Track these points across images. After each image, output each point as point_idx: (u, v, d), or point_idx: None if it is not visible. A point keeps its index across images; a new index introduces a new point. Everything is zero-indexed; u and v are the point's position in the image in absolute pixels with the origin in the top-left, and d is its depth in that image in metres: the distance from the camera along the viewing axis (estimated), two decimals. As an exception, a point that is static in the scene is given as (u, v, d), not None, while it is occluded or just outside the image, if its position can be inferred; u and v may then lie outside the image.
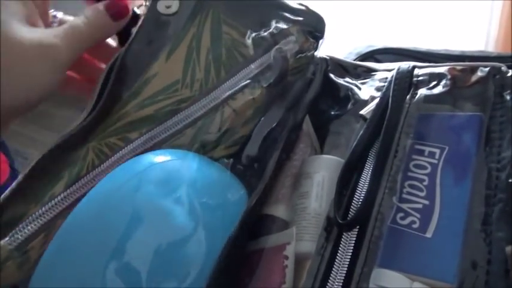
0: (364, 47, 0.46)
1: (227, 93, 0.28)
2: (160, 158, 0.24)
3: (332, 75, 0.34)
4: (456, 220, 0.25)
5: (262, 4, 0.31)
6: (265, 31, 0.30)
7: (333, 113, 0.33)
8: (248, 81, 0.29)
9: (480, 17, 1.00)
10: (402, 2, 1.07)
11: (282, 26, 0.31)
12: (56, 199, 0.22)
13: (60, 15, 0.31)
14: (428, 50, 0.38)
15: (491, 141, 0.27)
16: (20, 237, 0.21)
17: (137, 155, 0.25)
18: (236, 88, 0.28)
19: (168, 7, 0.28)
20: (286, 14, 0.32)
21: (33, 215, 0.21)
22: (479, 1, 0.98)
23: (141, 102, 0.27)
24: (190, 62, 0.28)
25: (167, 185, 0.22)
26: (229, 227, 0.24)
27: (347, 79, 0.34)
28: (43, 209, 0.22)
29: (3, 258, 0.20)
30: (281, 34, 0.31)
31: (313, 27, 0.33)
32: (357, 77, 0.34)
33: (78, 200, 0.21)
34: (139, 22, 0.29)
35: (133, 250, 0.20)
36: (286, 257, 0.27)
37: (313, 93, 0.33)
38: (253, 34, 0.30)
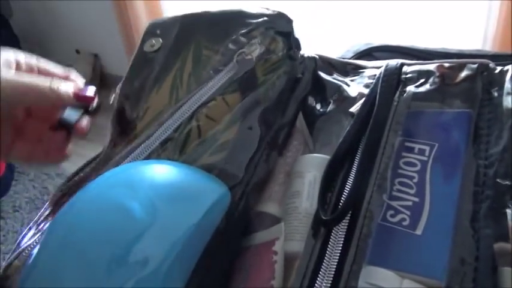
0: (362, 44, 0.46)
1: (199, 103, 0.30)
2: (132, 165, 0.27)
3: (321, 73, 0.34)
4: (445, 217, 0.25)
5: (228, 19, 0.34)
6: (230, 41, 0.32)
7: (321, 110, 0.33)
8: (216, 88, 0.30)
9: (478, 15, 1.01)
10: (400, 1, 1.07)
11: (244, 31, 0.32)
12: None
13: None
14: (426, 49, 0.38)
15: (479, 138, 0.27)
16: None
17: None
18: (206, 97, 0.30)
19: (152, 46, 0.34)
20: (248, 20, 0.33)
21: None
22: (477, 0, 0.99)
23: (137, 133, 0.30)
24: (174, 87, 0.31)
25: (131, 187, 0.24)
26: (202, 222, 0.25)
27: (335, 76, 0.34)
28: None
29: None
30: (245, 40, 0.32)
31: (278, 26, 0.33)
32: (346, 74, 0.34)
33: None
34: (131, 61, 0.34)
35: (94, 240, 0.22)
36: (275, 253, 0.27)
37: (302, 92, 0.33)
38: (222, 48, 0.32)
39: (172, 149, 0.28)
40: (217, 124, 0.29)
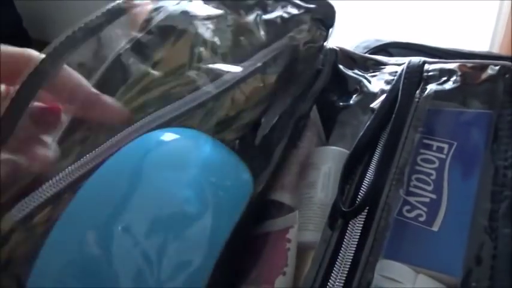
0: (372, 40, 0.46)
1: (239, 77, 0.28)
2: (170, 136, 0.24)
3: (341, 67, 0.34)
4: (463, 215, 0.25)
5: None
6: (275, 15, 0.30)
7: (341, 104, 0.33)
8: (259, 65, 0.28)
9: (486, 19, 1.00)
10: (408, 1, 1.06)
11: (294, 11, 0.31)
12: (64, 172, 0.21)
13: None
14: (440, 48, 0.38)
15: (499, 139, 0.27)
16: (25, 209, 0.20)
17: (144, 133, 0.25)
18: (248, 72, 0.28)
19: None
20: (297, 1, 0.32)
21: (41, 188, 0.20)
22: (485, 2, 0.98)
23: (148, 84, 0.27)
24: (196, 47, 0.29)
25: (177, 166, 0.22)
26: (235, 210, 0.24)
27: (356, 71, 0.34)
28: (50, 181, 0.21)
29: (8, 230, 0.19)
30: (293, 21, 0.31)
31: (324, 15, 0.32)
32: (366, 69, 0.34)
33: (86, 174, 0.21)
34: None
35: (139, 228, 0.20)
36: (289, 240, 0.27)
37: (321, 84, 0.33)
38: (262, 18, 0.30)
39: (200, 118, 0.26)
40: (248, 102, 0.28)
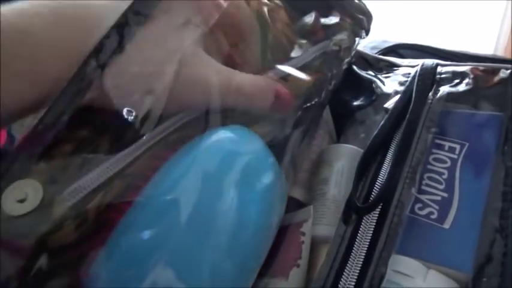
0: (380, 41, 0.46)
1: (283, 74, 0.28)
2: (231, 137, 0.24)
3: (355, 68, 0.35)
4: (474, 213, 0.26)
5: None
6: (319, 19, 0.31)
7: (354, 103, 0.34)
8: (308, 60, 0.29)
9: (490, 21, 1.00)
10: (412, 1, 1.07)
11: (337, 18, 0.31)
12: (115, 157, 0.20)
13: None
14: (449, 50, 0.39)
15: (510, 141, 0.28)
16: (79, 194, 0.19)
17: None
18: (301, 64, 0.29)
19: None
20: (344, 4, 0.32)
21: (91, 173, 0.20)
22: (491, 4, 0.99)
23: None
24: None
25: (249, 175, 0.22)
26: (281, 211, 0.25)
27: (370, 72, 0.35)
28: (103, 166, 0.20)
29: (61, 216, 0.18)
30: (335, 27, 0.31)
31: (363, 26, 0.33)
32: (380, 70, 0.35)
33: (136, 159, 0.21)
34: None
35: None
36: (303, 234, 0.28)
37: (336, 83, 0.34)
38: (305, 20, 0.31)
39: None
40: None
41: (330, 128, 0.37)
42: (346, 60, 0.33)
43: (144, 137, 0.22)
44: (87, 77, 0.19)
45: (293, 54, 0.29)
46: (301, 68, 0.29)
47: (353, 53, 0.34)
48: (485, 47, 1.02)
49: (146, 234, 0.19)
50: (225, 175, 0.22)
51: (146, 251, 0.19)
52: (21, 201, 0.18)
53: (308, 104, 0.28)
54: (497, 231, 0.25)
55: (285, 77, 0.27)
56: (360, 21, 0.33)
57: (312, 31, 0.31)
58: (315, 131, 0.34)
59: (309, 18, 0.31)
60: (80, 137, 0.21)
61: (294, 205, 0.31)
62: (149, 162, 0.21)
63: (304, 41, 0.30)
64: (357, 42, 0.34)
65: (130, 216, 0.20)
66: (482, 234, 0.25)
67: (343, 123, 0.34)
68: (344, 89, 0.35)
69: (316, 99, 0.29)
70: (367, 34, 0.35)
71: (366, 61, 0.35)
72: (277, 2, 0.30)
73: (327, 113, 0.35)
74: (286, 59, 0.29)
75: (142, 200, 0.20)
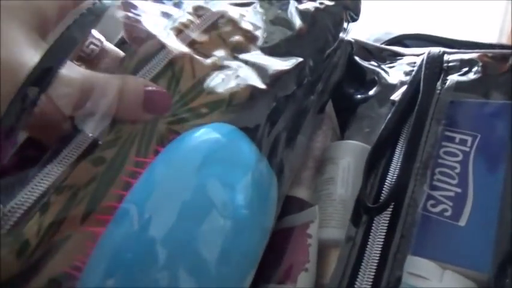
0: (382, 33, 0.45)
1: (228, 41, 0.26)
2: (212, 134, 0.22)
3: (357, 58, 0.33)
4: (490, 209, 0.24)
5: None
6: (309, 5, 0.29)
7: (359, 96, 0.32)
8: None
9: (495, 9, 0.99)
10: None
11: (327, 2, 0.30)
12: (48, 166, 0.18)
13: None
14: (458, 39, 0.37)
15: (523, 131, 0.27)
16: (12, 217, 0.17)
17: None
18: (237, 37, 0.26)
19: None
20: None
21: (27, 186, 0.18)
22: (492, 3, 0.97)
23: None
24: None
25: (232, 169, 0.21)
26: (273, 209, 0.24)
27: (372, 62, 0.33)
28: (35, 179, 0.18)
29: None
30: (327, 12, 0.30)
31: (353, 9, 0.32)
32: (383, 60, 0.33)
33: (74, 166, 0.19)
34: None
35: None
36: (310, 236, 0.27)
37: (337, 76, 0.32)
38: (297, 7, 0.29)
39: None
40: None
41: (334, 124, 0.35)
42: (332, 47, 0.31)
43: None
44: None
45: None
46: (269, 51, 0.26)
47: (341, 40, 0.32)
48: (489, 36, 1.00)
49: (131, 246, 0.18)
50: (207, 173, 0.20)
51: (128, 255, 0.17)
52: None
53: (283, 94, 0.26)
54: (515, 227, 0.23)
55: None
56: (343, 3, 0.31)
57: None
58: (317, 128, 0.32)
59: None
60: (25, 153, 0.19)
61: (298, 205, 0.30)
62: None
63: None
64: (346, 27, 0.32)
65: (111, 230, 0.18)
66: (500, 231, 0.24)
67: (346, 118, 0.33)
68: (345, 81, 0.33)
69: (295, 88, 0.27)
70: (356, 16, 0.33)
71: (367, 51, 0.34)
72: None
73: (329, 108, 0.34)
74: None
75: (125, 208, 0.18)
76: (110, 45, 0.27)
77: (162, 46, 0.23)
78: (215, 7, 0.27)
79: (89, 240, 0.17)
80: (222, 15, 0.26)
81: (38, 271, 0.17)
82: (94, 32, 0.27)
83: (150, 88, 0.21)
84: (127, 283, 0.17)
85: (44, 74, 0.17)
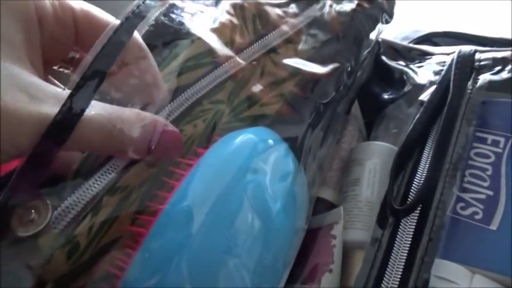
0: (410, 31, 0.44)
1: (270, 46, 0.25)
2: (258, 141, 0.23)
3: (384, 58, 0.33)
4: (524, 213, 0.23)
5: None
6: (349, 7, 0.29)
7: (386, 96, 0.32)
8: (290, 34, 0.26)
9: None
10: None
11: (351, 3, 0.29)
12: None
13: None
14: (490, 36, 0.36)
15: (561, 132, 0.26)
16: (65, 218, 0.17)
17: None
18: (278, 41, 0.26)
19: None
20: None
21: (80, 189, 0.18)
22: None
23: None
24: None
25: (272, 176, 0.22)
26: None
27: (400, 62, 0.33)
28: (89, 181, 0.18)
29: (50, 246, 0.16)
30: (365, 14, 0.30)
31: (384, 8, 0.31)
32: (411, 60, 0.33)
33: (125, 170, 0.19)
34: None
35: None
36: (334, 237, 0.27)
37: (364, 76, 0.32)
38: (335, 9, 0.29)
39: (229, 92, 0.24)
40: (280, 72, 0.26)
41: (360, 124, 0.35)
42: (367, 50, 0.31)
43: None
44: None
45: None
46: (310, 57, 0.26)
47: (373, 42, 0.31)
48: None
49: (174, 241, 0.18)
50: (248, 179, 0.21)
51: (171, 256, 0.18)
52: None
53: (325, 101, 0.26)
54: (551, 232, 0.22)
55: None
56: (380, 5, 0.31)
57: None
58: (343, 128, 0.32)
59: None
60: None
61: (323, 206, 0.30)
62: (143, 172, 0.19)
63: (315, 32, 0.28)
64: (379, 29, 0.31)
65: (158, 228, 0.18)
66: (534, 236, 0.23)
67: (373, 118, 0.32)
68: (373, 81, 0.33)
69: (334, 94, 0.27)
70: (390, 18, 0.32)
71: (395, 50, 0.33)
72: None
73: (355, 108, 0.33)
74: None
75: (168, 210, 0.19)
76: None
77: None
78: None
79: (133, 241, 0.18)
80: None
81: (85, 271, 0.17)
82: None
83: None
84: (169, 284, 0.17)
85: (96, 76, 0.18)
